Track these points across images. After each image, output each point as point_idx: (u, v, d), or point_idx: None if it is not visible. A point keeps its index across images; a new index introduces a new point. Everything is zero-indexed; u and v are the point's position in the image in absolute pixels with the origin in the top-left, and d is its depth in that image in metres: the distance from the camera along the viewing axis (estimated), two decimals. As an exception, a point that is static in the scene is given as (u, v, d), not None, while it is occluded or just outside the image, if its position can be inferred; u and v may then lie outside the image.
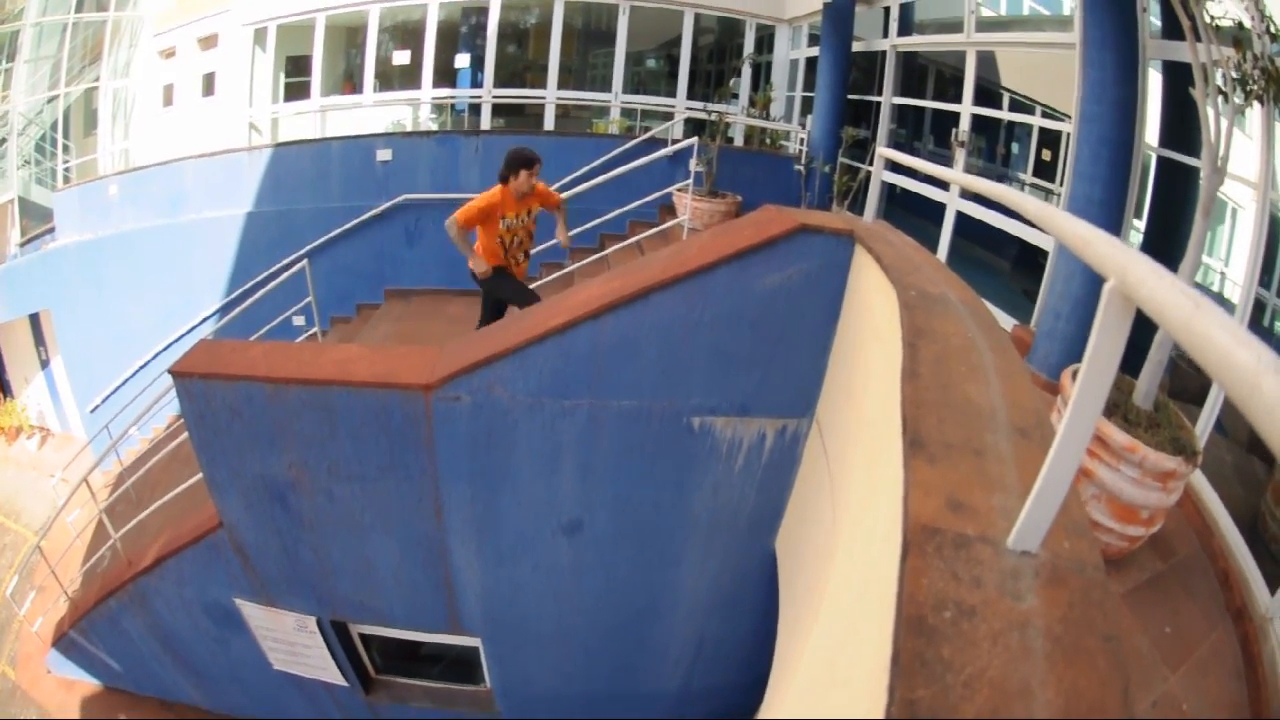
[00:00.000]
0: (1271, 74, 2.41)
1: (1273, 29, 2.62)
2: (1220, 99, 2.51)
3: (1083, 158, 3.69)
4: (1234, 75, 2.47)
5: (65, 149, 9.65)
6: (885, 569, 1.16)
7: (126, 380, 7.74)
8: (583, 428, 3.11)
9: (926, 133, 6.20)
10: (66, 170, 9.43)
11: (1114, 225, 3.67)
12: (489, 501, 3.39)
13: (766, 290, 2.90)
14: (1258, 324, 3.13)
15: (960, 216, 5.03)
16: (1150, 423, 2.46)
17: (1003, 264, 5.16)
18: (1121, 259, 0.89)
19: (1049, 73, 4.69)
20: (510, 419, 3.08)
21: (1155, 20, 3.67)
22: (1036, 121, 5.12)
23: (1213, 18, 2.62)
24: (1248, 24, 2.66)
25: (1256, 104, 2.49)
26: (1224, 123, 2.47)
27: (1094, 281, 3.67)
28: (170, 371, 3.28)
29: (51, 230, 8.75)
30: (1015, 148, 5.74)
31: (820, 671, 1.69)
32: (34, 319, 9.98)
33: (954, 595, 0.96)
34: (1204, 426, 3.18)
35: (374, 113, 8.31)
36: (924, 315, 2.10)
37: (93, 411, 8.17)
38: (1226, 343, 0.63)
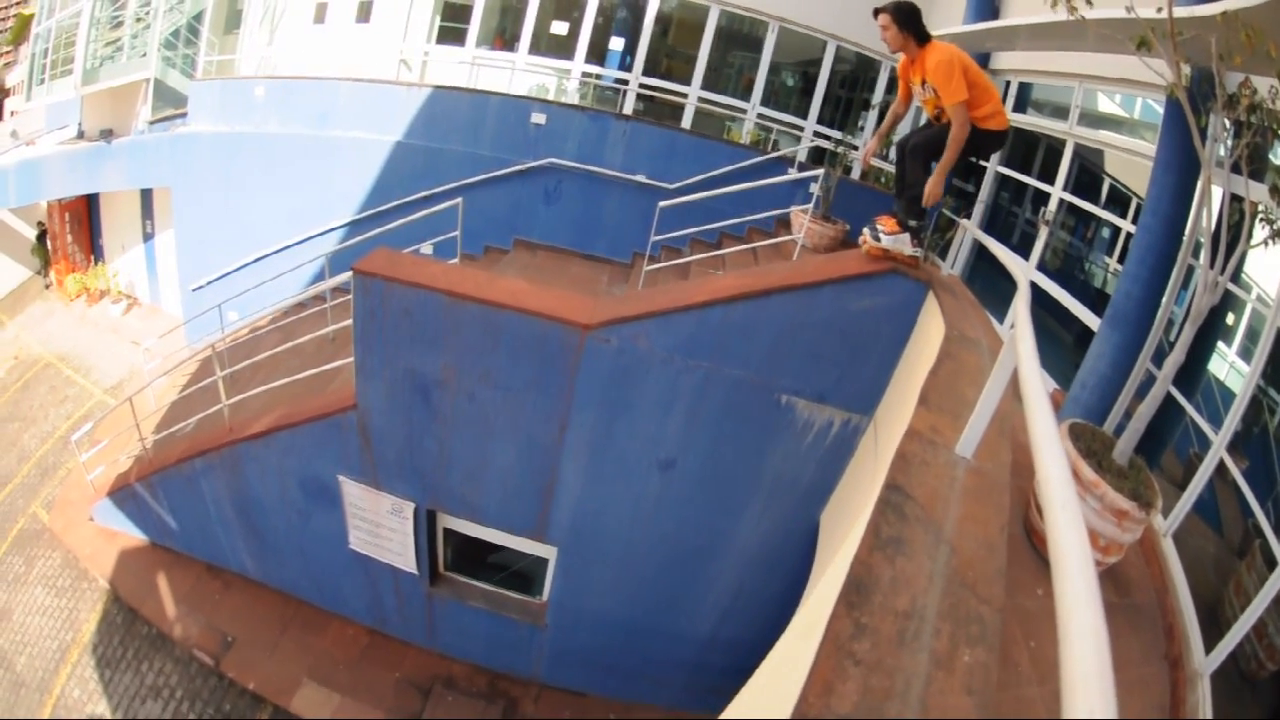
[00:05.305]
0: None
1: None
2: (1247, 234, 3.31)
3: (1132, 258, 4.78)
4: (1262, 214, 3.19)
5: (209, 42, 11.26)
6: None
7: (242, 267, 9.25)
8: (698, 385, 4.48)
9: (1026, 201, 7.34)
10: (207, 62, 11.02)
11: (1146, 317, 4.75)
12: (607, 429, 4.74)
13: (858, 310, 4.22)
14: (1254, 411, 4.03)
15: (1036, 287, 6.20)
16: (1119, 473, 3.47)
17: (1068, 338, 6.29)
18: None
19: (1148, 170, 5.37)
20: (645, 366, 4.44)
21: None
22: (1125, 226, 6.24)
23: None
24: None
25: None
26: (1233, 258, 3.30)
27: (1120, 364, 4.80)
28: (353, 269, 4.45)
29: (183, 115, 10.34)
30: (1105, 232, 6.87)
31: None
32: (145, 193, 11.69)
33: (921, 455, 2.26)
34: (1183, 505, 4.19)
35: (521, 74, 9.57)
36: (956, 347, 3.45)
37: (195, 290, 9.72)
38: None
